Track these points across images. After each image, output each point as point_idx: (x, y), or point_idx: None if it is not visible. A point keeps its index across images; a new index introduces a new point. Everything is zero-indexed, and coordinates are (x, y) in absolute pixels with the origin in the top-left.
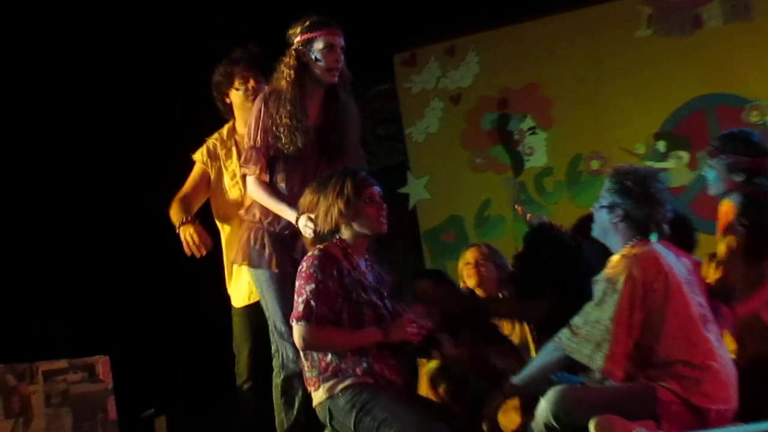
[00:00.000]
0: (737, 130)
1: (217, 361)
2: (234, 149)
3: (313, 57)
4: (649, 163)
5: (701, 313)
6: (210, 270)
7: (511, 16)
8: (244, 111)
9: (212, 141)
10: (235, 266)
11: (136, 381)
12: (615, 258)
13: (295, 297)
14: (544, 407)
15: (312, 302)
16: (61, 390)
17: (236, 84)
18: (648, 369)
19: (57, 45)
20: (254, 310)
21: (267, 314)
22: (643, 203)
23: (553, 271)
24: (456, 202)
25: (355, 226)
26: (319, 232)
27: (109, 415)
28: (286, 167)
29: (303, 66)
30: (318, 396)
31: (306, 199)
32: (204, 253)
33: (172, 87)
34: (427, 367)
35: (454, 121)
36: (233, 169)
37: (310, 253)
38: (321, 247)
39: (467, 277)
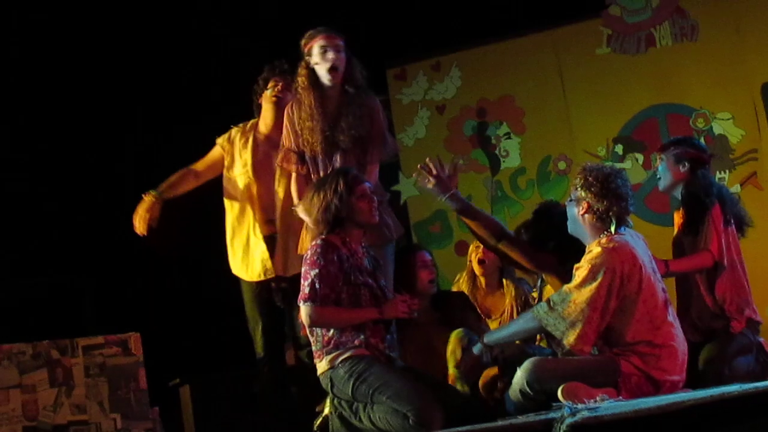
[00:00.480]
0: (682, 136)
1: (236, 335)
2: (251, 142)
3: (315, 62)
4: (608, 164)
5: (664, 298)
6: None
7: (489, 36)
8: (267, 111)
9: (235, 130)
10: (250, 241)
11: (164, 354)
12: (596, 249)
13: (302, 281)
14: (520, 376)
15: (316, 285)
16: (99, 362)
17: (270, 86)
18: (615, 347)
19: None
20: (265, 286)
21: None
22: (604, 198)
23: (550, 237)
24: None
25: (350, 219)
26: (319, 226)
27: (140, 385)
28: (324, 162)
29: (312, 72)
30: (321, 366)
31: (306, 197)
32: (138, 228)
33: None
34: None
35: (438, 128)
36: (245, 159)
37: (313, 242)
38: (323, 236)
39: (474, 257)
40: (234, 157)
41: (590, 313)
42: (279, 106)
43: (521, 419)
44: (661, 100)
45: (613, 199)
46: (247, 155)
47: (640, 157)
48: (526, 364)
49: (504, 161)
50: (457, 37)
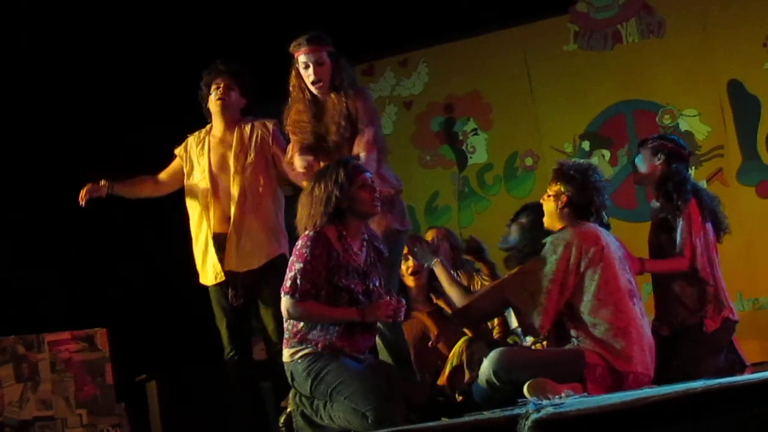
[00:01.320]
0: (665, 133)
1: (203, 330)
2: (207, 146)
3: (300, 71)
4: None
5: (629, 288)
6: None
7: (456, 33)
8: (215, 114)
9: (191, 138)
10: (209, 248)
11: (131, 350)
12: (561, 230)
13: (287, 271)
14: (486, 366)
15: (298, 279)
16: (65, 358)
17: (213, 89)
18: (578, 328)
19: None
20: (222, 288)
21: None
22: (585, 190)
23: (529, 233)
24: (408, 193)
25: (351, 210)
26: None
27: (106, 380)
28: (324, 159)
29: (301, 77)
30: (284, 356)
31: (306, 191)
32: (80, 199)
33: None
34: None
35: (406, 123)
36: (203, 164)
37: (306, 233)
38: (318, 228)
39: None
40: (192, 163)
41: (550, 286)
42: (226, 107)
43: (486, 415)
44: (627, 96)
45: (593, 192)
46: (204, 160)
47: (607, 153)
48: (493, 354)
49: (471, 157)
50: (425, 34)
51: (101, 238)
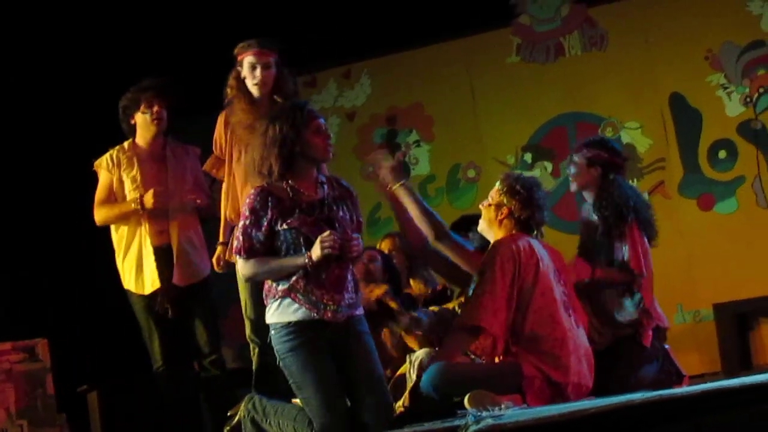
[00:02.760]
0: (599, 136)
1: (144, 343)
2: (135, 160)
3: (244, 74)
4: (517, 172)
5: (563, 300)
6: None
7: (399, 45)
8: (147, 131)
9: (115, 152)
10: (146, 257)
11: (72, 361)
12: (497, 241)
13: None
14: (425, 380)
15: (240, 237)
16: (5, 369)
17: (142, 108)
18: (518, 342)
19: None
20: (155, 299)
21: None
22: (527, 206)
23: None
24: None
25: (302, 155)
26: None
27: (47, 391)
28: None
29: (242, 82)
30: (266, 316)
31: (259, 131)
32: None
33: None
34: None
35: (349, 135)
36: (134, 175)
37: (252, 190)
38: (264, 184)
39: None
40: (121, 177)
41: (496, 290)
42: (161, 126)
43: (426, 426)
44: (570, 108)
45: (535, 209)
46: (135, 172)
47: (549, 165)
48: (432, 368)
49: (413, 168)
50: (368, 45)
51: (41, 249)
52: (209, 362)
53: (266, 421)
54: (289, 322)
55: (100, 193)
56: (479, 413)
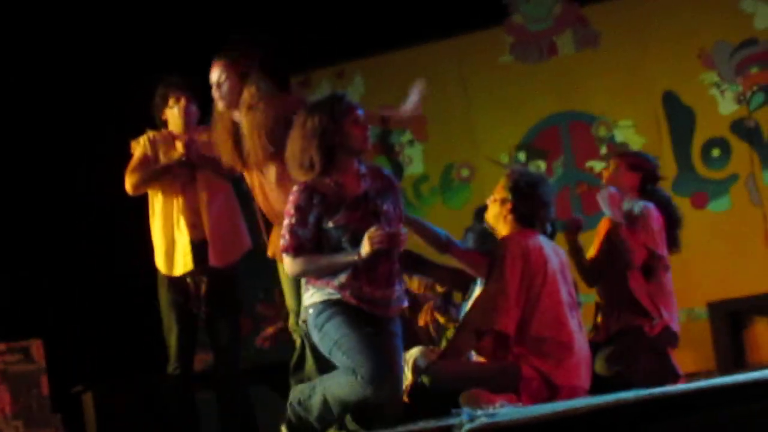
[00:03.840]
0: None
1: (139, 342)
2: (177, 146)
3: None
4: (523, 167)
5: (569, 301)
6: (136, 257)
7: (392, 44)
8: (177, 126)
9: (152, 134)
10: (174, 235)
11: (66, 361)
12: (505, 238)
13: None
14: (422, 378)
15: (287, 235)
16: (0, 369)
17: (170, 104)
18: (522, 343)
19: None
20: (182, 290)
21: None
22: (530, 203)
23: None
24: None
25: (341, 146)
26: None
27: (42, 391)
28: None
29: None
30: (303, 301)
31: (298, 122)
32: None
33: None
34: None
35: None
36: (169, 155)
37: (295, 188)
38: (306, 180)
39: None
40: (158, 154)
41: (507, 288)
42: (188, 116)
43: (420, 425)
44: (563, 107)
45: (539, 205)
46: (171, 153)
47: (543, 165)
48: (428, 366)
49: (407, 168)
50: (361, 45)
51: (36, 249)
52: (226, 360)
53: (311, 398)
54: (331, 300)
55: (134, 162)
56: (473, 412)
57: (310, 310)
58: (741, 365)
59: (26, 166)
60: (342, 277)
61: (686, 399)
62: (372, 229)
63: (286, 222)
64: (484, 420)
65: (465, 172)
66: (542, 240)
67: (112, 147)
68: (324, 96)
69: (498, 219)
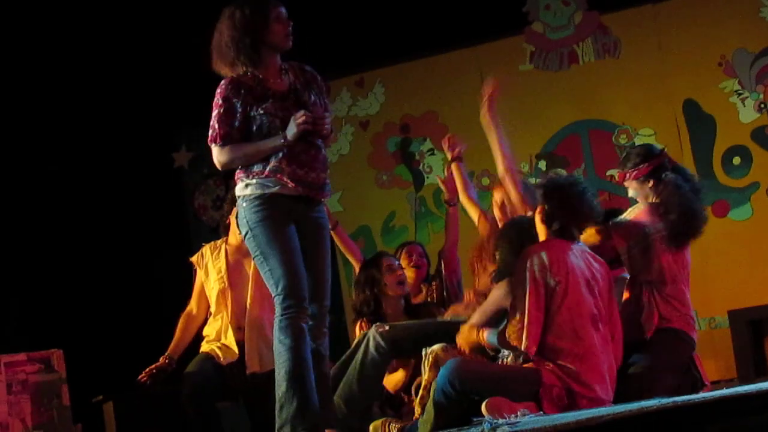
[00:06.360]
0: (626, 151)
1: (161, 352)
2: (222, 252)
3: None
4: (558, 174)
5: (593, 314)
6: (157, 268)
7: (412, 53)
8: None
9: (206, 247)
10: (221, 338)
11: (87, 371)
12: (524, 252)
13: None
14: (443, 374)
15: (216, 125)
16: (21, 380)
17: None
18: (539, 351)
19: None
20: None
21: None
22: (561, 210)
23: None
24: (365, 214)
25: (266, 43)
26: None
27: (63, 401)
28: None
29: None
30: (237, 190)
31: (226, 13)
32: (141, 377)
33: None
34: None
35: (362, 143)
36: (219, 266)
37: (222, 82)
38: (233, 75)
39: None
40: (208, 269)
41: (531, 308)
42: None
43: None
44: (583, 116)
45: (569, 213)
46: (221, 263)
47: (563, 173)
48: (450, 362)
49: (428, 177)
50: (381, 54)
51: (56, 260)
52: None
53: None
54: (263, 194)
55: (192, 298)
56: (495, 420)
57: (243, 203)
58: (762, 373)
59: (45, 178)
60: (273, 162)
61: (708, 407)
62: (298, 113)
63: (214, 113)
64: (505, 428)
65: (485, 181)
66: (572, 249)
67: (134, 159)
68: None
69: (539, 228)
